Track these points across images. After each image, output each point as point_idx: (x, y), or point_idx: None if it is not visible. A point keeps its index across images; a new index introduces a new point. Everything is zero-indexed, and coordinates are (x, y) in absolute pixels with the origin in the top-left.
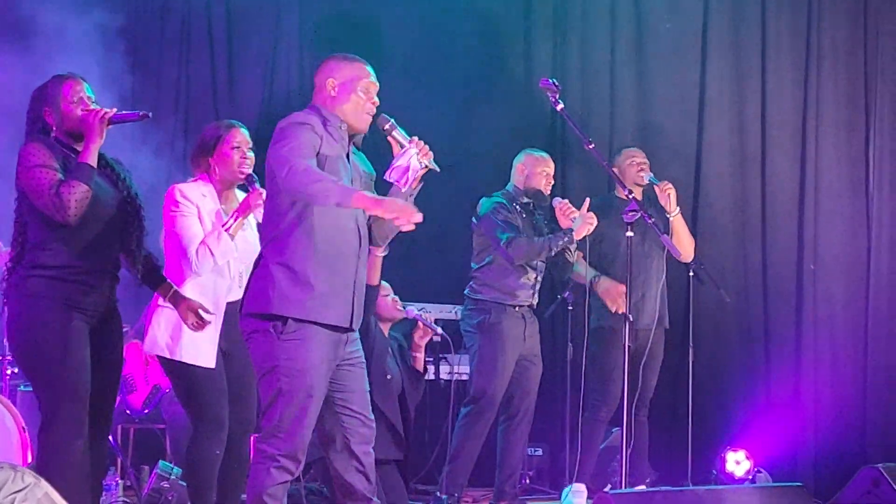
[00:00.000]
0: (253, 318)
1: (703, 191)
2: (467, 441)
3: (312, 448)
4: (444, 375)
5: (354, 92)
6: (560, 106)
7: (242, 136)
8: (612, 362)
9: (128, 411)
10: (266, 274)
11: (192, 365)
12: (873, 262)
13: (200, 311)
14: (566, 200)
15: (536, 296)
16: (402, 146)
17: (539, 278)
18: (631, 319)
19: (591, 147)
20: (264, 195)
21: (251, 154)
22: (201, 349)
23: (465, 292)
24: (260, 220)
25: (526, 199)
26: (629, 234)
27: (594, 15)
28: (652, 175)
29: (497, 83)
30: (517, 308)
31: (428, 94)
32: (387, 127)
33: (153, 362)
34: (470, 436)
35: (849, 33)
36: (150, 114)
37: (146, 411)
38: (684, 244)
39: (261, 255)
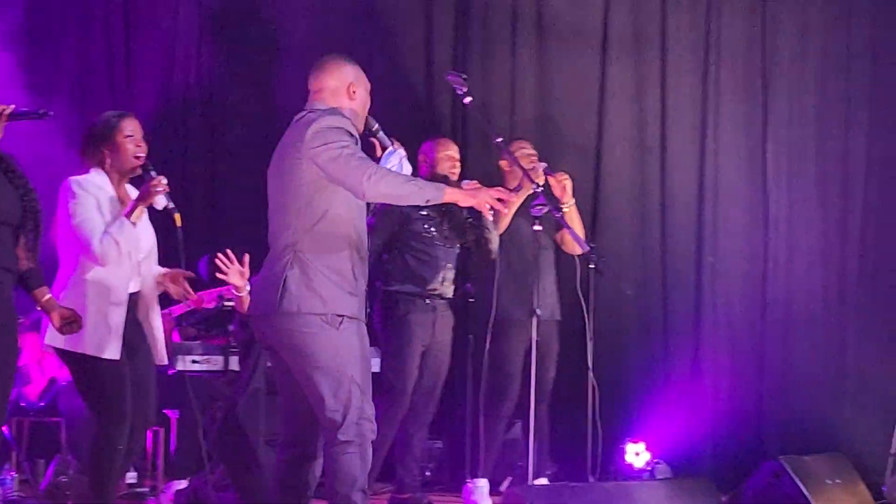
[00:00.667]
0: (299, 316)
1: (603, 183)
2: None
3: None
4: None
5: (365, 94)
6: (468, 99)
7: (135, 124)
8: (512, 355)
9: (23, 404)
10: (311, 274)
11: (95, 357)
12: (771, 255)
13: (74, 320)
14: (475, 182)
15: (450, 285)
16: (384, 148)
17: (450, 266)
18: (539, 313)
19: (499, 141)
20: (164, 181)
21: (143, 143)
22: (105, 341)
23: (377, 284)
24: (159, 208)
25: None
26: (537, 227)
27: (495, 7)
28: (545, 165)
29: (397, 76)
30: (427, 300)
31: None
32: (374, 128)
33: (49, 354)
34: (381, 428)
35: (746, 30)
36: (52, 112)
37: (42, 403)
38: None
39: (292, 254)
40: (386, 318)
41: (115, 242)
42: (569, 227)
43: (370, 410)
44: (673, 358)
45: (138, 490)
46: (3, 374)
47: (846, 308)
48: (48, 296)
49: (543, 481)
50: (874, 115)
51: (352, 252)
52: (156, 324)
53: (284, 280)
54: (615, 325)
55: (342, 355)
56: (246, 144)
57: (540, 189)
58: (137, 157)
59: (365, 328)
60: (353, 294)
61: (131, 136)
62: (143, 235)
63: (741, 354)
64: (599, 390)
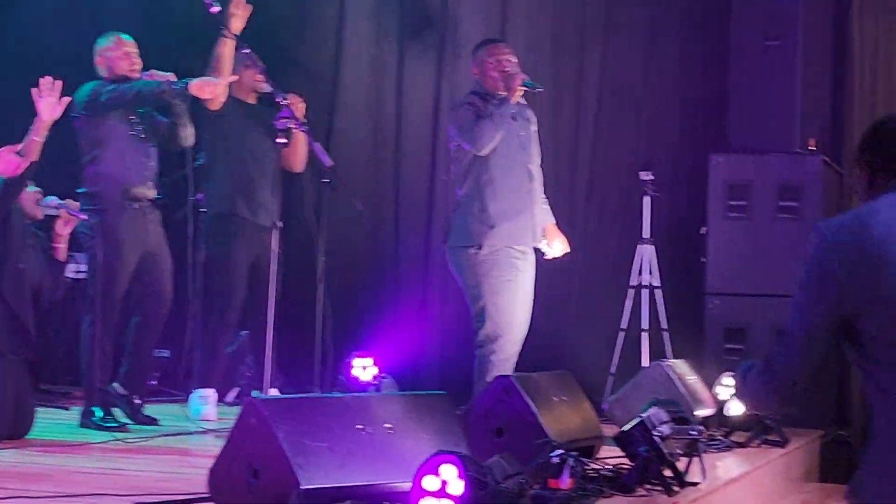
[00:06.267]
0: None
1: (340, 100)
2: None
3: None
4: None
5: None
6: (215, 9)
7: None
8: (236, 263)
9: None
10: None
11: None
12: None
13: None
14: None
15: (154, 186)
16: None
17: (152, 165)
18: (279, 225)
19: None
20: None
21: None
22: None
23: (79, 189)
24: None
25: None
26: (281, 140)
27: None
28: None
29: None
30: (137, 204)
31: None
32: None
33: None
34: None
35: None
36: None
37: None
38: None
39: None
40: (93, 228)
41: None
42: (315, 143)
43: None
44: (404, 276)
45: None
46: None
47: (573, 230)
48: None
49: (274, 392)
50: (607, 42)
51: None
52: None
53: None
54: (347, 240)
55: None
56: None
57: (286, 101)
58: None
59: None
60: None
61: None
62: None
63: None
64: (329, 303)
